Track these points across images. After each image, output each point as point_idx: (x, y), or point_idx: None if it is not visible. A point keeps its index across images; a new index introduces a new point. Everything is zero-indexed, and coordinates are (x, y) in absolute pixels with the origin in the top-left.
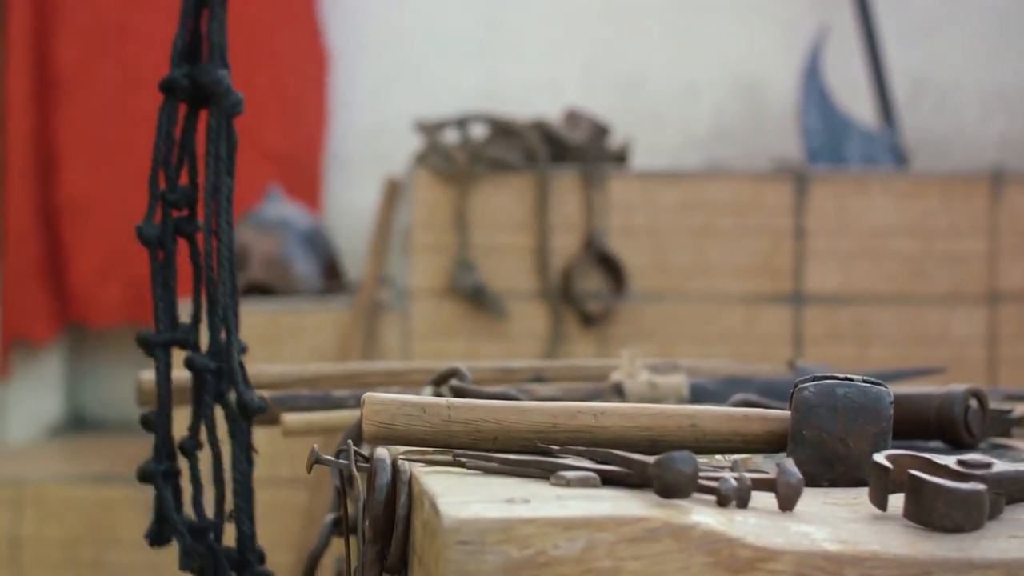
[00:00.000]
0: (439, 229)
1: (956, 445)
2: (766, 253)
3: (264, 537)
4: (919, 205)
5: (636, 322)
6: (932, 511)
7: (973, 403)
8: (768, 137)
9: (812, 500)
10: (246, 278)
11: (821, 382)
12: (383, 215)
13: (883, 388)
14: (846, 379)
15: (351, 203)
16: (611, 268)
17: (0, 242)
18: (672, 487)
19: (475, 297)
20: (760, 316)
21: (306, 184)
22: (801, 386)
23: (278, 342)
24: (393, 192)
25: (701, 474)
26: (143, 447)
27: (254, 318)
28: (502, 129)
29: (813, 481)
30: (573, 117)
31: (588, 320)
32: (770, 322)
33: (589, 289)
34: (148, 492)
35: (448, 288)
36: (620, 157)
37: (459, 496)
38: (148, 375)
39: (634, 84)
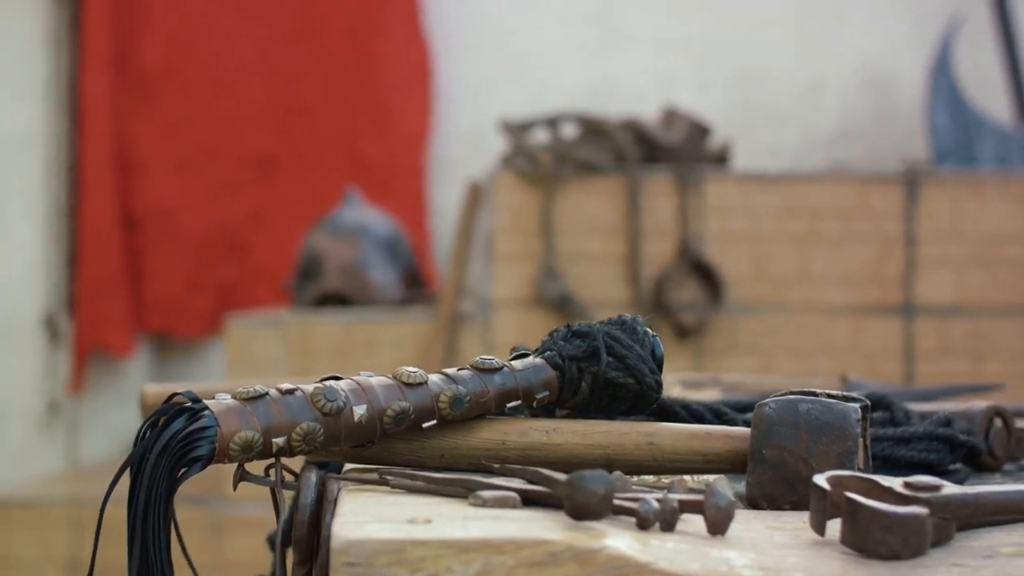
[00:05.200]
0: (523, 235)
1: (977, 467)
2: (874, 261)
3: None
4: None
5: (733, 335)
6: (867, 536)
7: (997, 422)
8: (898, 137)
9: (754, 524)
10: (320, 287)
11: (784, 397)
12: (465, 221)
13: (850, 405)
14: (812, 394)
15: (453, 208)
16: (707, 277)
17: (74, 251)
18: (583, 508)
19: (561, 307)
20: (867, 329)
21: (408, 190)
22: (762, 402)
23: (351, 355)
24: (475, 196)
25: (624, 495)
26: (214, 470)
27: (327, 329)
28: (592, 129)
29: (774, 503)
30: (670, 116)
31: (682, 332)
32: (878, 335)
33: (683, 299)
34: (211, 512)
35: (533, 297)
36: (720, 158)
37: (361, 516)
38: (152, 388)
39: (753, 80)
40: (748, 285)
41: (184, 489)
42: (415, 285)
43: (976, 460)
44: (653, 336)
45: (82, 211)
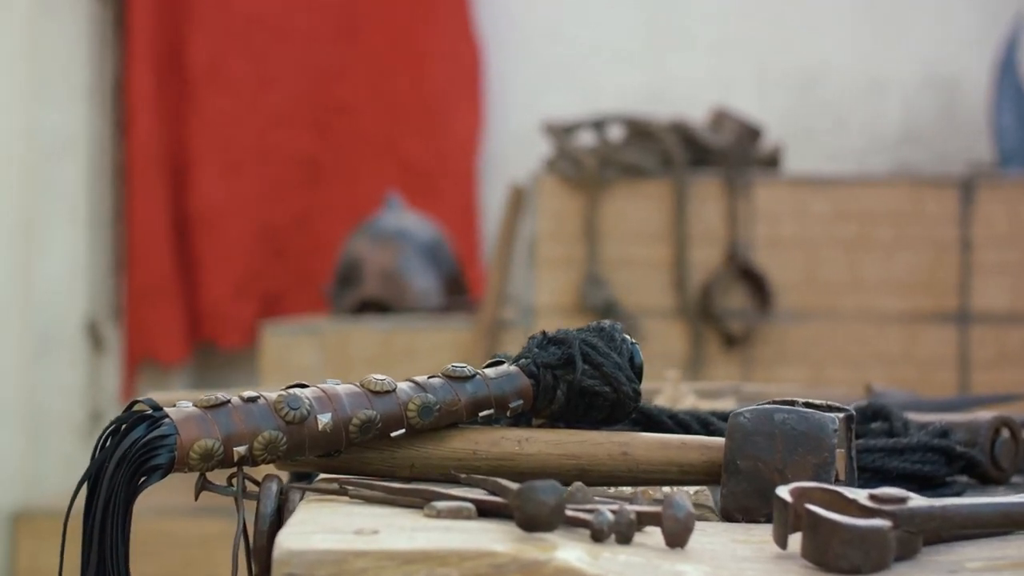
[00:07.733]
0: (567, 241)
1: (982, 480)
2: (928, 267)
3: None
4: None
5: (783, 343)
6: (827, 550)
7: (1004, 433)
8: (964, 139)
9: (719, 537)
10: (359, 294)
11: (760, 406)
12: (507, 226)
13: (828, 415)
14: (791, 403)
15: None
16: (756, 283)
17: (120, 257)
18: (533, 520)
19: (606, 314)
20: (921, 337)
21: (458, 194)
22: (737, 411)
23: (390, 363)
24: (517, 200)
25: (581, 507)
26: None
27: (366, 337)
28: (639, 131)
29: (749, 516)
30: (720, 118)
31: (730, 341)
32: (932, 344)
33: (731, 307)
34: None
35: (577, 305)
36: (771, 161)
37: (310, 526)
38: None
39: (813, 81)
40: (798, 292)
41: (220, 501)
42: (457, 292)
43: (980, 472)
44: (632, 343)
45: (130, 216)
